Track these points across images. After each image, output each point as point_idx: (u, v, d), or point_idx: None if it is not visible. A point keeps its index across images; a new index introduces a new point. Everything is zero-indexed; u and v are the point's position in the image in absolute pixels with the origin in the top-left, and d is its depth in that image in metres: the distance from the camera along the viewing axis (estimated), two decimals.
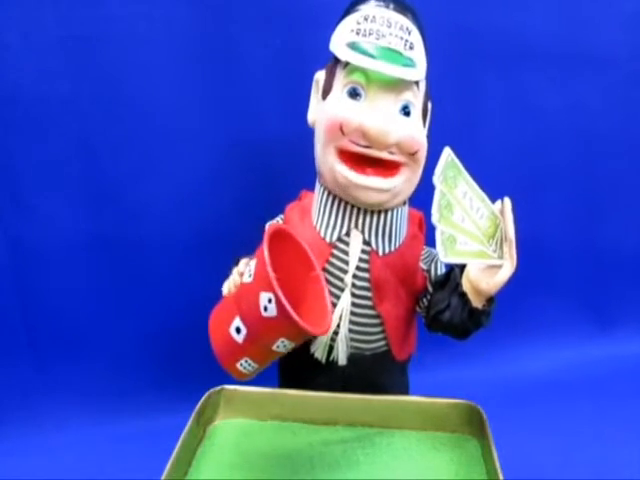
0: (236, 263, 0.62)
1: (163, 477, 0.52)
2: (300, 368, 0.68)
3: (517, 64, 0.89)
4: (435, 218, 0.50)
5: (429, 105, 0.64)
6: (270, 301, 0.50)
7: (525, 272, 0.98)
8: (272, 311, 0.50)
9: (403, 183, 0.60)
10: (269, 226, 0.56)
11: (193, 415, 0.61)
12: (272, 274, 0.50)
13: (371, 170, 0.59)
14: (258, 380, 0.65)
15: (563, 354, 1.00)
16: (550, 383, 0.94)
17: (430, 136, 0.63)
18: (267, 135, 0.85)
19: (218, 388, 0.65)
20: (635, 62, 0.92)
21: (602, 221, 1.00)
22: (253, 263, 0.54)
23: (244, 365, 0.55)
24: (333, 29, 0.61)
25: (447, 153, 0.52)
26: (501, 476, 0.51)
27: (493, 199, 0.92)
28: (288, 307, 0.49)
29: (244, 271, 0.55)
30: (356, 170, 0.59)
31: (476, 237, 0.53)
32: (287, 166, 0.84)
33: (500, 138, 0.92)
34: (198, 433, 0.62)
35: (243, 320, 0.53)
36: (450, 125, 0.88)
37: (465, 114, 0.90)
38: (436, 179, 0.51)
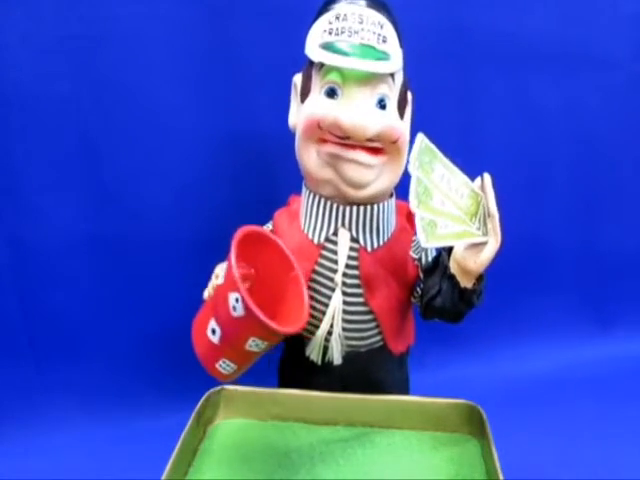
0: None
1: (163, 477, 0.52)
2: (298, 371, 0.68)
3: (517, 64, 0.89)
4: (414, 205, 0.51)
5: (409, 96, 0.64)
6: (237, 301, 0.51)
7: (525, 272, 1.00)
8: (240, 311, 0.51)
9: (384, 165, 0.60)
10: (240, 231, 0.57)
11: (193, 415, 0.61)
12: (237, 275, 0.51)
13: (357, 147, 0.59)
14: (258, 381, 0.65)
15: (563, 354, 1.00)
16: (550, 383, 0.94)
17: (413, 127, 0.63)
18: (268, 135, 0.85)
19: (218, 388, 0.65)
20: (636, 62, 0.92)
21: (602, 221, 1.00)
22: (225, 264, 0.55)
23: (223, 366, 0.55)
24: None
25: (420, 139, 0.52)
26: (501, 476, 0.51)
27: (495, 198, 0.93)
28: (252, 306, 0.50)
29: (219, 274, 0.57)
30: (342, 146, 0.59)
31: (458, 218, 0.53)
32: (288, 165, 0.84)
33: (500, 138, 0.92)
34: (198, 433, 0.62)
35: (217, 321, 0.54)
36: (450, 125, 0.89)
37: (465, 114, 0.90)
38: (411, 166, 0.51)
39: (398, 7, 0.83)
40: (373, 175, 0.60)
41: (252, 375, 0.64)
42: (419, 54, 0.85)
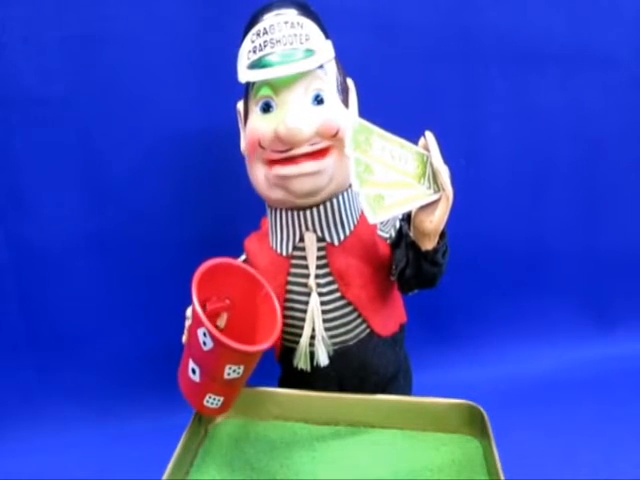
0: None
1: (164, 477, 0.53)
2: (296, 381, 0.68)
3: (519, 64, 0.89)
4: (356, 186, 0.51)
5: (349, 83, 0.64)
6: (205, 335, 0.52)
7: (526, 272, 1.00)
8: (209, 344, 0.52)
9: (334, 164, 0.60)
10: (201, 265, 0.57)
11: (194, 415, 0.61)
12: (199, 310, 0.52)
13: (301, 157, 0.59)
14: (259, 380, 0.65)
15: (564, 354, 1.00)
16: (551, 383, 0.94)
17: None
18: None
19: None
20: (638, 62, 0.92)
21: (603, 221, 1.00)
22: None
23: (210, 401, 0.56)
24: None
25: (352, 123, 0.52)
26: (502, 476, 0.51)
27: (495, 198, 0.93)
28: (218, 335, 0.51)
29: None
30: (287, 163, 0.59)
31: (405, 184, 0.53)
32: None
33: (502, 137, 0.92)
34: (199, 433, 0.62)
35: (194, 360, 0.55)
36: (452, 125, 0.89)
37: (467, 114, 0.90)
38: (347, 149, 0.51)
39: (401, 7, 0.84)
40: (325, 179, 0.60)
41: (253, 375, 0.64)
42: (422, 54, 0.86)
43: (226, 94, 0.83)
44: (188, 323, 0.60)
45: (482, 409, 0.60)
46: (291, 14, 0.58)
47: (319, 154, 0.59)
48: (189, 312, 0.62)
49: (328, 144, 0.59)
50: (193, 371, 0.55)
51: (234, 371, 0.54)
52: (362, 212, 0.64)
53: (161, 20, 0.80)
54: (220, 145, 0.86)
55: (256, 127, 0.60)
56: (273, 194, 0.62)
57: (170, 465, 0.54)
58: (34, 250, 0.85)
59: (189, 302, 0.65)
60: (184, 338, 0.63)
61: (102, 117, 0.82)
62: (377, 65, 0.83)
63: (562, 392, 0.91)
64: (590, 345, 1.02)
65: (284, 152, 0.59)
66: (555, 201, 0.97)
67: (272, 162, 0.60)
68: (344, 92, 0.63)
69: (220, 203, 0.87)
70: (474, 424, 0.60)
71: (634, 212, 1.00)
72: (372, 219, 0.51)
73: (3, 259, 0.85)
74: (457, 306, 0.98)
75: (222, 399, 0.56)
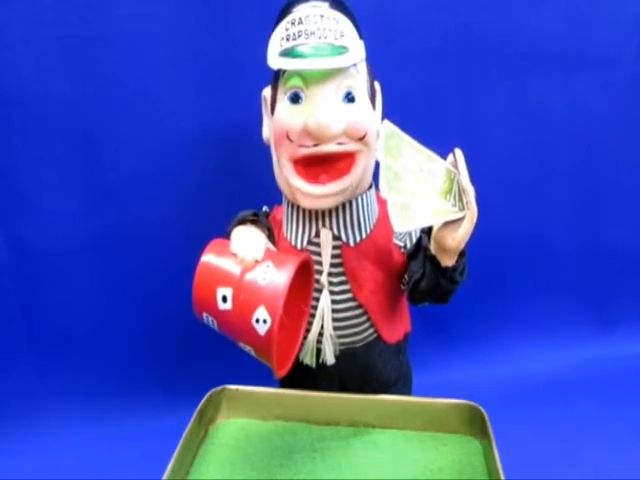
0: (254, 214, 0.64)
1: (165, 477, 0.52)
2: (298, 377, 0.67)
3: (520, 64, 0.89)
4: (384, 192, 0.51)
5: (376, 86, 0.64)
6: (265, 322, 0.50)
7: (526, 272, 1.00)
8: (261, 329, 0.51)
9: (362, 173, 0.60)
10: (301, 256, 0.56)
11: (195, 415, 0.61)
12: (281, 310, 0.50)
13: (325, 176, 0.59)
14: (260, 380, 0.65)
15: (564, 354, 1.01)
16: (551, 383, 0.94)
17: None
18: None
19: (220, 388, 0.65)
20: (638, 62, 0.92)
21: (604, 221, 1.00)
22: (272, 270, 0.53)
23: (209, 320, 0.55)
24: None
25: (385, 125, 0.52)
26: (503, 476, 0.51)
27: (495, 198, 0.93)
28: (275, 345, 0.50)
29: (261, 262, 0.54)
30: (311, 181, 0.59)
31: (431, 197, 0.53)
32: None
33: (502, 137, 0.92)
34: (200, 433, 0.62)
35: (234, 299, 0.52)
36: (453, 125, 0.89)
37: (467, 114, 0.90)
38: (379, 154, 0.51)
39: (401, 7, 0.84)
40: (347, 195, 0.60)
41: (254, 375, 0.64)
42: (422, 54, 0.86)
43: (228, 94, 0.84)
44: (256, 275, 0.53)
45: (482, 409, 0.60)
46: (327, 9, 0.58)
47: (345, 168, 0.59)
48: (261, 255, 0.55)
49: (355, 148, 0.59)
50: (224, 299, 0.52)
51: (249, 350, 0.54)
52: (379, 217, 0.65)
53: (161, 20, 0.80)
54: (222, 144, 0.86)
55: (285, 118, 0.59)
56: (292, 197, 0.62)
57: (170, 465, 0.54)
58: (34, 250, 0.85)
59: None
60: (236, 248, 0.55)
61: (102, 117, 0.82)
62: (377, 65, 0.83)
63: (562, 392, 0.91)
64: (590, 345, 1.02)
65: (312, 147, 0.58)
66: (555, 201, 0.97)
67: (298, 162, 0.60)
68: (372, 95, 0.63)
69: (222, 203, 0.87)
70: (474, 424, 0.60)
71: (635, 212, 1.00)
72: (398, 227, 0.51)
73: (3, 259, 0.85)
74: (457, 306, 0.97)
75: (216, 330, 0.56)
